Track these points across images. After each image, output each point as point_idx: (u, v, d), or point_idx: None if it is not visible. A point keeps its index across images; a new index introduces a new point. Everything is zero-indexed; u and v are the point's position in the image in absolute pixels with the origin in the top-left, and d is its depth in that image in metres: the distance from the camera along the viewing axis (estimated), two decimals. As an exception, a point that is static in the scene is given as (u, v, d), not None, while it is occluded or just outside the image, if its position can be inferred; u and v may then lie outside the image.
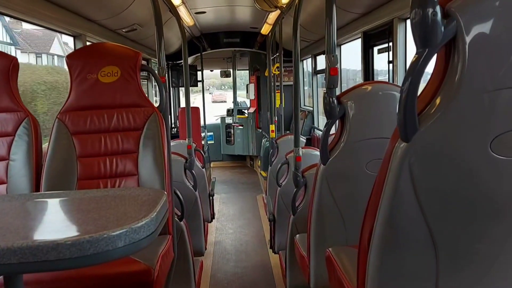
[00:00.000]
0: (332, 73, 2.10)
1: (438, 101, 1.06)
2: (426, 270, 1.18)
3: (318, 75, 6.89)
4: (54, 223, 1.30)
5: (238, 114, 9.61)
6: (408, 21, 3.51)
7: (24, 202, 1.44)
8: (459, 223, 1.13)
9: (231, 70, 10.23)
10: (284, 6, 4.63)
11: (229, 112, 9.84)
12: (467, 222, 1.13)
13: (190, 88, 4.56)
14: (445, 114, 1.05)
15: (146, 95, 2.54)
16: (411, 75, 1.04)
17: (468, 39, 1.02)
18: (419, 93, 1.07)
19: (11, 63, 2.37)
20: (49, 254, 0.96)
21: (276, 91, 6.08)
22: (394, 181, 1.11)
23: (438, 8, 1.01)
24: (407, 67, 3.49)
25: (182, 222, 2.75)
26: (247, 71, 9.77)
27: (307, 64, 7.63)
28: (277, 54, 6.17)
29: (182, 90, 9.39)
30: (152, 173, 2.28)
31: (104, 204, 1.37)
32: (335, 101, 2.06)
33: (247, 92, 9.67)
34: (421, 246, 1.16)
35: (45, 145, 2.42)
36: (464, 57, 1.03)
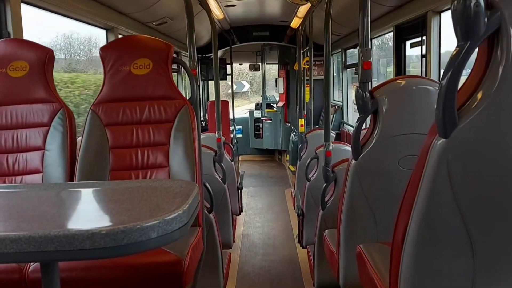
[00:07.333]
0: (365, 67, 2.07)
1: (479, 96, 1.02)
2: (463, 271, 1.15)
3: (348, 69, 6.80)
4: (89, 212, 1.32)
5: (267, 108, 9.59)
6: (443, 14, 3.41)
7: (59, 191, 1.47)
8: (499, 223, 1.09)
9: (260, 63, 10.20)
10: (315, -1, 4.58)
11: (258, 106, 9.83)
12: (507, 222, 1.09)
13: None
14: (486, 110, 1.02)
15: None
16: (452, 69, 1.01)
17: None
18: (459, 87, 1.04)
19: (47, 55, 2.42)
20: (85, 243, 0.98)
21: (306, 85, 6.03)
22: (431, 178, 1.08)
23: None
24: (441, 61, 3.38)
25: (211, 215, 2.77)
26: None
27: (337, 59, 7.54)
28: (307, 48, 6.12)
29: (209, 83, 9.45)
30: (183, 165, 2.29)
31: (137, 195, 1.39)
32: (368, 95, 2.03)
33: (276, 86, 9.64)
34: (458, 246, 1.12)
35: (79, 136, 2.47)
36: (508, 50, 0.99)
